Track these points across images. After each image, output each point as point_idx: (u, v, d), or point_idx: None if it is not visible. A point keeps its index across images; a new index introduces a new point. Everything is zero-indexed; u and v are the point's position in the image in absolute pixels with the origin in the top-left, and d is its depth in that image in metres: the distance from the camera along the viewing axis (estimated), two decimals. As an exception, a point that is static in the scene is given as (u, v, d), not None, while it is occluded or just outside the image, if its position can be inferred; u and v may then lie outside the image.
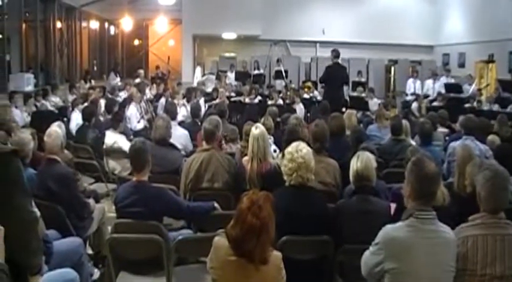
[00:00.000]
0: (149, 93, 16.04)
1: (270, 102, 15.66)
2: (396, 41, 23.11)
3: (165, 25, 26.98)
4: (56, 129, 5.98)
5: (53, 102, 14.41)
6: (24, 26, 17.52)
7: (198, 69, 21.78)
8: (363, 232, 4.15)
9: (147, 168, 5.13)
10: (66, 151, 6.71)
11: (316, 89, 18.25)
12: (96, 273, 5.97)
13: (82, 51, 22.85)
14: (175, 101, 12.34)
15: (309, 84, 18.92)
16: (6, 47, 16.12)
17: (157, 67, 24.94)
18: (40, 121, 9.58)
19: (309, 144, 5.22)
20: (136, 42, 30.07)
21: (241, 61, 22.88)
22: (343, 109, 12.24)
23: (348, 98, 15.53)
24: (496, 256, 3.52)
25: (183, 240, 4.72)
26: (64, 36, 20.71)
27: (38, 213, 3.00)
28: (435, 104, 16.95)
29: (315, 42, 24.14)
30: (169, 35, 28.63)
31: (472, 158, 5.42)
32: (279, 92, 17.86)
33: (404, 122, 8.41)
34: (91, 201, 6.19)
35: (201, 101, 13.87)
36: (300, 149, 4.76)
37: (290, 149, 4.82)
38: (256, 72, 21.01)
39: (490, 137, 8.19)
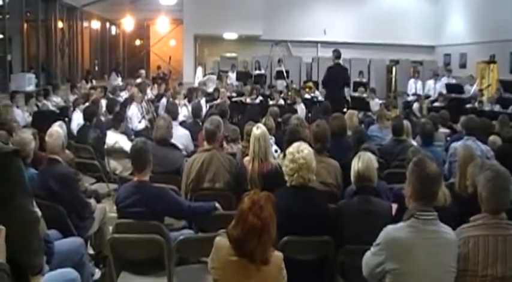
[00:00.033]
0: (150, 93, 16.04)
1: (271, 102, 15.66)
2: (397, 41, 23.14)
3: (166, 25, 27.00)
4: (57, 129, 5.99)
5: (54, 102, 14.41)
6: (25, 25, 17.52)
7: (199, 70, 21.79)
8: (364, 232, 4.16)
9: (148, 168, 5.13)
10: (67, 151, 6.71)
11: (318, 89, 18.26)
12: (97, 273, 5.97)
13: (83, 51, 22.86)
14: (177, 101, 12.34)
15: (310, 84, 18.94)
16: (7, 47, 16.12)
17: (158, 67, 24.96)
18: (41, 121, 9.57)
19: (310, 145, 5.21)
20: (137, 42, 30.08)
21: (242, 61, 22.89)
22: (345, 109, 12.22)
23: (349, 99, 15.53)
24: (498, 257, 3.52)
25: (184, 240, 4.72)
26: (65, 36, 20.73)
27: (39, 213, 3.00)
28: (436, 104, 16.94)
29: (316, 42, 24.16)
30: (171, 35, 28.64)
31: (474, 158, 5.41)
32: (280, 92, 17.87)
33: (406, 122, 8.40)
34: (92, 201, 6.19)
35: (202, 101, 13.86)
36: (301, 149, 4.76)
37: (291, 149, 4.81)
38: (257, 72, 21.03)
39: (492, 138, 8.19)
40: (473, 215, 3.72)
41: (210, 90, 17.37)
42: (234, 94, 17.88)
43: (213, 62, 24.50)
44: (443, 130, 10.22)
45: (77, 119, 10.92)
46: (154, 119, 10.35)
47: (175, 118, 9.07)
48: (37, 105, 13.12)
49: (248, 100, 16.29)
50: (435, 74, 19.89)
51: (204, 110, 12.35)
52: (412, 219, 3.52)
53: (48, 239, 4.36)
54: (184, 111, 12.27)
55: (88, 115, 9.58)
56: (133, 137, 9.50)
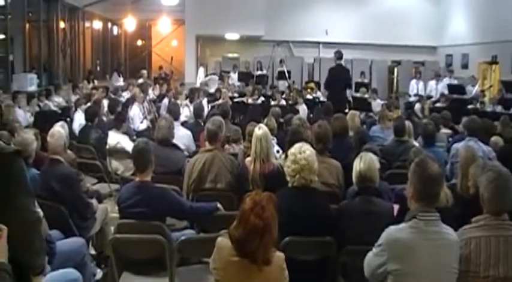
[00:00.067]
0: (152, 93, 16.02)
1: (272, 102, 15.65)
2: (399, 42, 23.14)
3: (168, 25, 27.00)
4: (59, 129, 5.99)
5: (56, 102, 14.42)
6: (27, 26, 17.50)
7: (201, 70, 21.78)
8: (365, 233, 4.16)
9: (150, 168, 5.14)
10: (69, 151, 6.73)
11: (319, 89, 18.25)
12: (99, 274, 5.97)
13: (85, 51, 22.84)
14: (178, 102, 12.34)
15: (312, 85, 18.94)
16: (9, 47, 16.10)
17: (160, 67, 24.96)
18: (43, 121, 9.58)
19: (312, 145, 5.21)
20: (139, 42, 30.09)
21: (244, 62, 22.88)
22: (346, 110, 12.22)
23: (351, 99, 15.53)
24: (500, 258, 3.51)
25: (185, 240, 4.73)
26: (67, 36, 20.72)
27: (41, 214, 3.00)
28: (438, 105, 16.94)
29: (318, 42, 24.16)
30: (172, 35, 28.64)
31: (475, 159, 5.41)
32: (282, 92, 17.85)
33: (408, 123, 8.40)
34: (94, 201, 6.20)
35: (204, 101, 13.85)
36: (303, 150, 4.76)
37: (293, 150, 4.82)
38: (259, 72, 21.03)
39: (493, 138, 8.19)
40: (475, 216, 3.71)
41: (212, 90, 17.38)
42: (235, 94, 17.88)
43: (214, 62, 24.50)
44: (445, 131, 10.22)
45: (79, 119, 10.92)
46: (156, 120, 10.34)
47: (177, 118, 9.08)
48: (39, 106, 13.13)
49: (250, 100, 16.30)
50: (437, 75, 19.90)
51: (206, 110, 12.34)
52: (414, 220, 3.51)
53: (50, 239, 4.37)
54: (186, 112, 12.27)
55: (90, 115, 9.58)
56: (135, 137, 9.50)
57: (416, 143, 8.09)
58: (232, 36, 23.65)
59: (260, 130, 6.03)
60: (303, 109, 14.88)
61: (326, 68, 15.11)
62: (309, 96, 17.23)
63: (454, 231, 3.62)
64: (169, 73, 24.12)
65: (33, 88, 15.38)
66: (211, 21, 21.55)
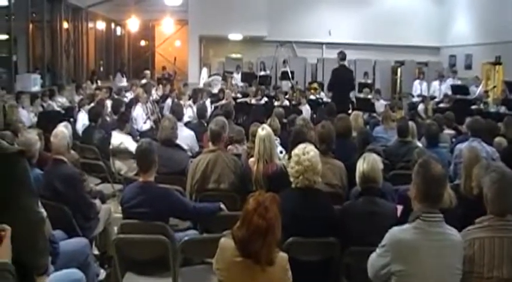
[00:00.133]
0: (155, 94, 16.05)
1: (276, 103, 15.63)
2: (403, 43, 23.09)
3: (171, 26, 27.00)
4: (62, 129, 6.00)
5: (59, 102, 14.43)
6: (31, 26, 17.53)
7: (204, 70, 21.77)
8: (369, 234, 4.15)
9: (153, 168, 5.14)
10: (72, 151, 6.73)
11: (323, 90, 18.24)
12: (102, 274, 5.98)
13: (88, 51, 22.88)
14: (182, 102, 12.36)
15: (315, 85, 18.94)
16: (13, 48, 16.13)
17: (163, 68, 24.96)
18: (46, 121, 9.61)
19: (315, 146, 5.21)
20: (142, 43, 30.11)
21: (247, 62, 22.86)
22: (350, 110, 12.21)
23: (354, 100, 15.52)
24: (504, 259, 3.51)
25: (189, 241, 4.73)
26: (71, 37, 20.74)
27: (45, 214, 3.01)
28: (442, 105, 16.94)
29: (321, 43, 24.12)
30: (176, 35, 28.64)
31: (479, 160, 5.40)
32: (285, 93, 17.82)
33: (411, 123, 8.39)
34: (97, 201, 6.21)
35: (207, 102, 13.88)
36: (306, 151, 4.75)
37: (297, 151, 4.81)
38: (262, 73, 20.99)
39: (497, 139, 8.18)
40: (479, 217, 3.71)
41: (215, 91, 17.39)
42: (239, 95, 17.86)
43: (218, 62, 24.48)
44: (448, 131, 10.21)
45: (82, 119, 10.94)
46: (159, 120, 10.36)
47: (180, 119, 9.08)
48: (42, 106, 13.14)
49: (253, 101, 16.29)
50: (440, 75, 19.87)
51: (209, 110, 12.38)
52: (418, 220, 3.51)
53: (53, 239, 4.38)
54: (189, 112, 12.28)
55: (93, 116, 9.60)
56: (138, 137, 9.52)
57: (419, 144, 8.08)
58: (235, 36, 23.64)
59: (263, 131, 6.02)
60: (306, 109, 14.88)
61: (329, 68, 15.10)
62: (312, 97, 17.22)
63: (458, 232, 3.62)
64: (173, 73, 24.08)
65: (36, 88, 15.40)
66: (214, 21, 21.55)
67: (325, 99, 16.60)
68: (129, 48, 29.18)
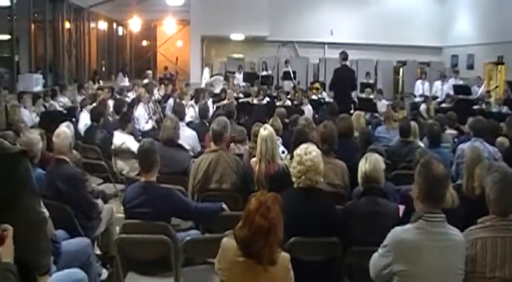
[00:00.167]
0: (157, 93, 16.05)
1: (278, 103, 15.63)
2: (405, 43, 23.09)
3: (173, 26, 27.04)
4: (64, 129, 6.00)
5: (61, 102, 14.45)
6: (33, 26, 17.55)
7: (206, 70, 21.79)
8: (371, 234, 4.15)
9: (155, 168, 5.14)
10: (74, 151, 6.73)
11: (325, 90, 18.24)
12: (104, 274, 5.97)
13: (90, 51, 22.91)
14: (184, 102, 12.35)
15: (317, 85, 18.95)
16: (15, 48, 16.15)
17: (165, 68, 24.99)
18: (49, 121, 9.60)
19: (317, 146, 5.21)
20: (144, 43, 30.14)
21: (249, 62, 22.88)
22: (352, 110, 12.21)
23: (356, 100, 15.52)
24: (506, 259, 3.50)
25: (191, 241, 4.72)
26: (73, 37, 20.77)
27: (47, 214, 3.01)
28: (444, 105, 16.95)
29: (323, 43, 24.13)
30: (178, 35, 28.66)
31: (481, 160, 5.39)
32: (287, 93, 17.83)
33: (413, 123, 8.38)
34: (99, 201, 6.21)
35: (209, 102, 13.86)
36: (308, 151, 4.75)
37: (299, 151, 4.80)
38: (264, 73, 21.02)
39: (499, 139, 8.17)
40: (481, 217, 3.71)
41: (217, 91, 17.39)
42: (241, 95, 17.87)
43: (220, 62, 24.50)
44: (450, 131, 10.20)
45: (84, 119, 10.95)
46: (161, 120, 10.36)
47: (182, 119, 9.08)
48: (44, 106, 13.16)
49: (255, 101, 16.29)
50: (442, 75, 19.88)
51: (211, 110, 12.35)
52: (420, 221, 3.50)
53: (55, 239, 4.38)
54: (191, 112, 12.27)
55: (95, 115, 9.60)
56: (140, 137, 9.51)
57: (421, 144, 8.07)
58: (237, 36, 23.66)
59: (265, 131, 6.02)
60: (308, 109, 14.87)
61: (331, 68, 15.09)
62: (314, 97, 17.23)
63: (460, 232, 3.61)
64: (175, 73, 24.12)
65: (38, 88, 15.43)
66: (216, 21, 21.56)
67: (327, 99, 16.61)
68: (131, 48, 29.21)
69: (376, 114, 14.84)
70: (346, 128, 7.48)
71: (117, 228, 5.61)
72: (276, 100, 16.53)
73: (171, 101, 13.91)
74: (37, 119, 11.56)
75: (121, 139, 8.69)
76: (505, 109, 14.90)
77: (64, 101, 14.77)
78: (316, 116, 14.58)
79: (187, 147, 7.84)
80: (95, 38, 23.95)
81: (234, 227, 3.50)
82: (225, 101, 14.76)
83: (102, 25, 24.80)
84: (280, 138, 7.60)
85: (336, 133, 6.58)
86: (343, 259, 4.59)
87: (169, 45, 29.14)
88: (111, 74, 23.53)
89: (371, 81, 20.72)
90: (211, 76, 21.00)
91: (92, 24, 23.11)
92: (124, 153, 8.62)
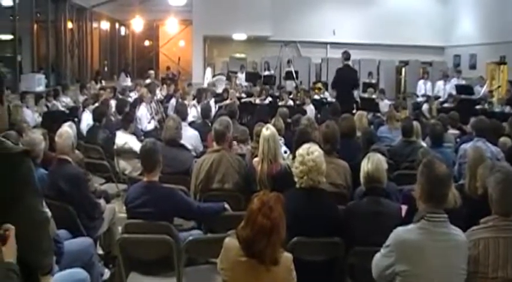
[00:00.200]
0: (159, 93, 16.04)
1: (280, 103, 15.63)
2: (407, 42, 23.05)
3: (175, 26, 27.01)
4: (66, 129, 6.01)
5: (63, 102, 14.47)
6: (35, 26, 17.56)
7: (209, 70, 21.78)
8: (373, 234, 4.14)
9: (157, 168, 5.14)
10: (77, 151, 6.75)
11: (327, 90, 18.23)
12: (107, 274, 5.98)
13: (93, 51, 22.90)
14: (186, 102, 12.35)
15: (320, 85, 18.92)
16: (17, 48, 16.16)
17: (167, 68, 24.97)
18: (51, 121, 9.62)
19: (319, 146, 5.20)
20: (146, 43, 30.13)
21: (251, 62, 22.86)
22: (354, 110, 12.21)
23: (358, 100, 15.51)
24: (508, 259, 3.50)
25: (193, 240, 4.73)
26: (75, 37, 20.77)
27: (49, 213, 3.01)
28: (446, 105, 16.92)
29: (326, 43, 24.11)
30: (180, 35, 28.64)
31: (484, 159, 5.39)
32: (290, 93, 17.82)
33: (415, 123, 8.37)
34: (102, 201, 6.22)
35: (212, 101, 13.85)
36: (311, 151, 4.74)
37: (301, 151, 4.80)
38: (266, 73, 21.01)
39: (502, 139, 8.15)
40: (484, 217, 3.70)
41: (219, 91, 17.38)
42: (243, 95, 17.88)
43: (222, 62, 24.49)
44: (452, 131, 10.19)
45: (87, 119, 10.95)
46: (164, 120, 10.36)
47: (184, 119, 9.07)
48: (47, 106, 13.17)
49: (257, 101, 16.30)
50: (445, 75, 19.84)
51: (213, 110, 12.36)
52: (422, 221, 3.50)
53: (57, 239, 4.38)
54: (193, 112, 12.27)
55: (97, 115, 9.61)
56: (142, 137, 9.51)
57: (424, 144, 8.07)
58: (239, 36, 23.64)
59: (268, 130, 6.02)
60: (310, 109, 14.87)
61: (333, 68, 15.08)
62: (316, 97, 17.23)
63: (463, 232, 3.61)
64: (177, 73, 24.11)
65: (41, 88, 15.43)
66: (218, 21, 21.54)
67: (329, 99, 16.61)
68: (134, 48, 29.21)
69: (379, 114, 14.83)
70: (349, 128, 7.46)
71: (120, 228, 5.62)
72: (278, 100, 16.53)
73: (173, 101, 13.93)
74: (39, 119, 11.56)
75: (123, 139, 8.69)
76: (507, 109, 14.89)
77: (66, 101, 14.79)
78: (319, 115, 14.58)
79: (189, 147, 7.84)
80: (97, 38, 23.94)
81: (236, 227, 3.50)
82: (227, 101, 14.78)
83: (105, 25, 24.79)
84: (282, 138, 7.61)
85: (338, 133, 6.57)
86: (345, 259, 4.59)
87: (171, 45, 29.13)
88: (114, 74, 23.50)
89: (373, 81, 20.68)
90: (214, 76, 21.00)
91: (94, 24, 23.10)
92: (126, 153, 8.63)
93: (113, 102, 12.25)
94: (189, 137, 8.39)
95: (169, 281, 4.76)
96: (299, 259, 3.79)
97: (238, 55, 24.41)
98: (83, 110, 11.95)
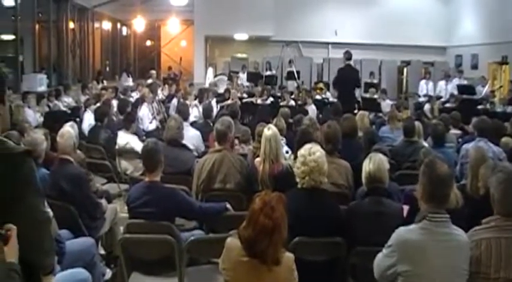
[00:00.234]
0: (161, 93, 16.05)
1: (282, 103, 15.61)
2: (409, 42, 23.03)
3: (177, 26, 27.01)
4: (68, 129, 6.01)
5: (65, 102, 14.47)
6: (37, 26, 17.60)
7: (210, 70, 21.76)
8: (375, 234, 4.14)
9: (159, 168, 5.14)
10: (78, 151, 6.74)
11: (328, 90, 18.23)
12: (108, 274, 5.98)
13: (94, 51, 22.93)
14: (187, 102, 12.38)
15: (321, 85, 18.92)
16: (19, 48, 16.20)
17: (169, 68, 24.98)
18: (53, 121, 9.64)
19: (321, 146, 5.20)
20: (148, 43, 30.15)
21: (253, 62, 22.81)
22: (356, 110, 12.20)
23: (360, 99, 15.50)
24: (510, 259, 3.49)
25: (195, 241, 4.73)
26: (77, 37, 20.78)
27: (51, 213, 3.01)
28: (448, 105, 16.92)
29: (327, 43, 24.09)
30: (182, 35, 28.66)
31: (485, 160, 5.39)
32: (291, 93, 17.80)
33: (417, 123, 8.37)
34: (103, 201, 6.22)
35: (213, 101, 13.87)
36: (312, 152, 4.73)
37: (303, 151, 4.79)
38: (268, 73, 20.98)
39: (504, 139, 8.15)
40: (485, 217, 3.70)
41: (221, 91, 17.38)
42: (244, 95, 17.86)
43: (223, 62, 24.47)
44: (454, 131, 10.18)
45: (88, 119, 10.96)
46: (165, 120, 10.36)
47: (186, 119, 9.07)
48: (48, 106, 13.18)
49: (259, 101, 16.29)
50: (446, 75, 19.84)
51: (215, 110, 12.38)
52: (424, 221, 3.50)
53: (59, 239, 4.39)
54: (195, 112, 12.29)
55: (99, 115, 9.62)
56: (144, 137, 9.52)
57: (425, 144, 8.06)
58: (241, 36, 23.63)
59: (269, 130, 6.02)
60: (312, 109, 14.86)
61: (335, 68, 15.08)
62: (318, 97, 17.21)
63: (464, 233, 3.60)
64: (178, 73, 24.10)
65: (42, 88, 15.44)
66: (220, 21, 21.54)
67: (331, 99, 16.59)
68: (135, 48, 29.24)
69: (380, 114, 14.82)
70: (350, 128, 7.46)
71: (121, 228, 5.61)
72: (279, 100, 16.51)
73: (174, 101, 13.94)
74: (41, 119, 11.58)
75: (125, 139, 8.69)
76: (509, 109, 14.87)
77: (68, 101, 14.80)
78: (320, 116, 14.55)
79: (191, 147, 7.84)
80: (99, 38, 23.97)
81: (238, 227, 3.50)
82: (229, 101, 14.77)
83: (106, 25, 24.82)
84: (284, 138, 7.60)
85: (340, 133, 6.56)
86: (347, 259, 4.59)
87: (173, 45, 29.14)
88: (115, 74, 23.52)
89: (375, 81, 20.64)
90: (215, 76, 20.98)
91: (96, 24, 23.13)
92: (128, 153, 8.63)
93: (114, 102, 12.26)
94: (191, 137, 8.39)
95: (171, 281, 4.76)
96: (301, 259, 3.79)
97: (239, 55, 24.39)
98: (85, 110, 11.96)
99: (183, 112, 9.31)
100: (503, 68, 19.01)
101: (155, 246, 4.79)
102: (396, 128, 9.66)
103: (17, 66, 15.91)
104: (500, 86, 18.45)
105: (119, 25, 26.48)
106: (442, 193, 3.56)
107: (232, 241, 3.52)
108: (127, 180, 8.05)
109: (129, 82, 20.90)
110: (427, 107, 17.39)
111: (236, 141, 7.70)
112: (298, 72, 19.83)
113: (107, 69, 25.15)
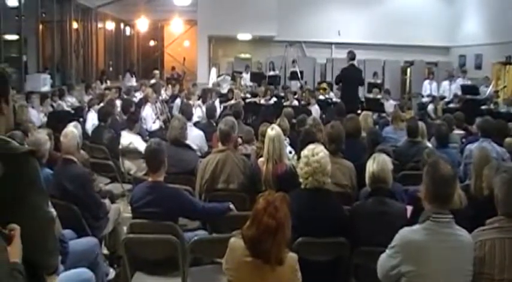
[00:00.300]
0: (164, 94, 16.04)
1: (285, 103, 15.62)
2: (412, 42, 23.00)
3: (180, 26, 27.04)
4: (72, 129, 6.02)
5: (69, 102, 14.49)
6: (40, 26, 17.60)
7: (213, 70, 21.79)
8: (378, 234, 4.14)
9: (162, 168, 5.14)
10: (82, 151, 6.75)
11: (332, 90, 18.23)
12: (112, 273, 5.98)
13: (98, 51, 22.95)
14: (191, 102, 12.37)
15: (325, 85, 18.93)
16: (23, 48, 16.20)
17: (172, 68, 25.01)
18: (56, 121, 9.61)
19: (324, 146, 5.20)
20: (151, 43, 30.20)
21: (256, 62, 22.85)
22: (359, 111, 12.19)
23: (363, 100, 15.49)
24: (514, 260, 3.49)
25: (198, 241, 4.73)
26: (80, 37, 20.83)
27: (54, 213, 3.02)
28: (451, 105, 16.90)
29: (331, 43, 24.07)
30: (185, 36, 28.68)
31: (489, 160, 5.38)
32: (294, 93, 17.80)
33: (421, 123, 8.36)
34: (107, 201, 6.22)
35: (217, 101, 13.87)
36: (316, 152, 4.73)
37: (306, 152, 4.79)
38: (271, 73, 21.01)
39: (508, 140, 8.12)
40: (489, 218, 3.69)
41: (224, 91, 17.40)
42: (248, 95, 17.88)
43: (227, 62, 24.49)
44: (458, 132, 10.17)
45: (92, 119, 10.97)
46: (169, 120, 10.37)
47: (189, 119, 9.09)
48: (52, 106, 13.19)
49: (262, 101, 16.30)
50: (450, 75, 19.82)
51: (218, 110, 12.36)
52: (428, 221, 3.49)
53: (63, 238, 4.39)
54: (198, 112, 12.28)
55: (103, 115, 9.61)
56: (147, 137, 9.52)
57: (429, 144, 8.05)
58: (244, 36, 23.63)
59: (273, 131, 6.02)
60: (315, 110, 14.85)
61: (338, 68, 15.06)
62: (321, 97, 17.21)
63: (468, 233, 3.60)
64: (182, 73, 24.14)
65: (46, 88, 15.46)
66: (223, 21, 21.53)
67: (334, 100, 16.60)
68: (139, 48, 29.28)
69: (384, 115, 14.82)
70: (354, 128, 7.45)
71: (125, 228, 5.63)
72: (283, 100, 16.53)
73: (178, 101, 13.93)
74: (45, 119, 11.56)
75: (128, 139, 8.70)
76: (513, 109, 14.86)
77: (72, 101, 14.82)
78: (324, 116, 14.58)
79: (194, 147, 7.84)
80: (103, 38, 24.00)
81: (241, 227, 3.50)
82: (232, 101, 14.79)
83: (110, 25, 24.85)
84: (287, 138, 7.60)
85: (344, 133, 6.56)
86: (350, 259, 4.58)
87: (176, 46, 29.18)
88: (119, 74, 23.57)
89: (378, 81, 20.63)
90: (219, 76, 21.01)
91: (100, 25, 23.16)
92: (131, 153, 8.63)
93: (118, 102, 12.27)
94: (194, 137, 8.40)
95: (174, 281, 4.76)
96: (304, 259, 3.79)
97: (243, 55, 24.42)
98: (88, 110, 11.95)
99: (186, 112, 9.32)
100: (507, 68, 18.96)
101: (158, 246, 4.79)
102: (400, 128, 9.64)
103: (21, 66, 15.91)
104: (504, 86, 18.41)
105: (122, 25, 26.52)
106: (445, 193, 3.55)
107: (236, 241, 3.52)
108: (130, 180, 8.06)
109: (133, 82, 20.92)
110: (430, 107, 17.38)
111: (239, 141, 7.69)
112: (301, 73, 19.86)
113: (111, 69, 25.20)
